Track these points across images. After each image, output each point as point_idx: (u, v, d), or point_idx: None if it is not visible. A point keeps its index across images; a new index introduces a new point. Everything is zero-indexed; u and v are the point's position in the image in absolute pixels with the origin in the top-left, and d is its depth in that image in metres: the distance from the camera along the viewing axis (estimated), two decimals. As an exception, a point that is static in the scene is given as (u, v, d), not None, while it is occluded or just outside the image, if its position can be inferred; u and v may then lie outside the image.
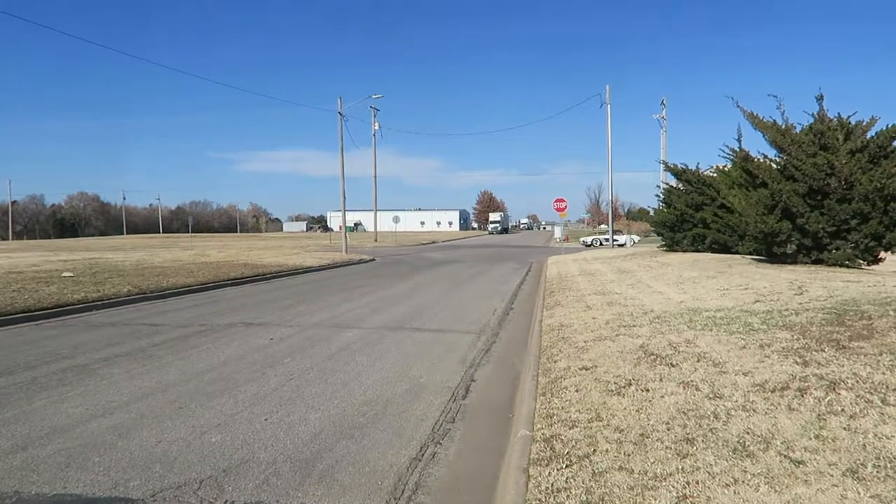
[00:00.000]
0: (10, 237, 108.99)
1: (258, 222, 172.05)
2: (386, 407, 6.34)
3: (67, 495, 4.28)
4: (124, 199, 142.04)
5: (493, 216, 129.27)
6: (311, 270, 26.83)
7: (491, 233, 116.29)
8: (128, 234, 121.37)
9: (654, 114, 46.90)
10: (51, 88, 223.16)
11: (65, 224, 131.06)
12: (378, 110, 67.13)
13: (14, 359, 8.84)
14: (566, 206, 40.00)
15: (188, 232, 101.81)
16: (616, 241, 51.06)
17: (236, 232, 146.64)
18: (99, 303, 14.80)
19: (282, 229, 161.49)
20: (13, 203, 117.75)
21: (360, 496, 4.25)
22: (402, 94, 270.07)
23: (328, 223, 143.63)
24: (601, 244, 50.02)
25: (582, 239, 52.89)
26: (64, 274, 20.17)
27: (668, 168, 30.74)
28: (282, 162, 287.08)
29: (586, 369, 6.84)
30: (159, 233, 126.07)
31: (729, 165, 23.11)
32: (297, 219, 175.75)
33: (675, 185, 30.41)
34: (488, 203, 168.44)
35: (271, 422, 5.88)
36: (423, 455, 5.03)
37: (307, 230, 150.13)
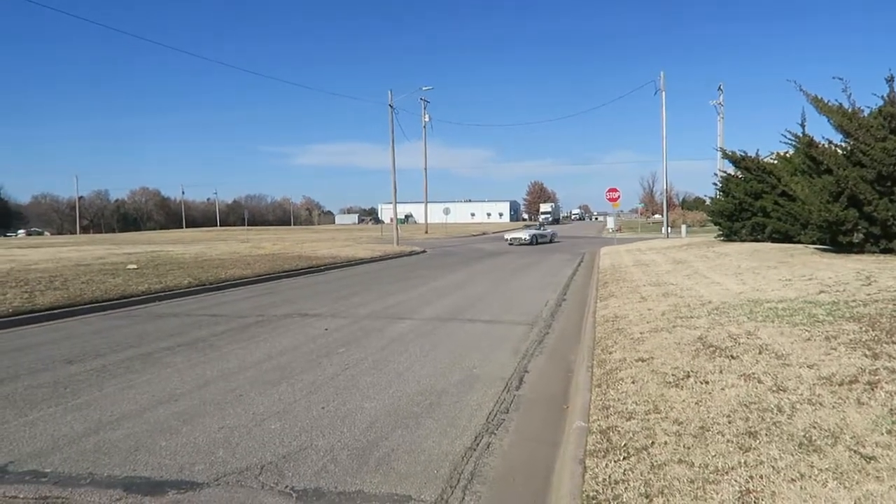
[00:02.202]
0: (78, 231, 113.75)
1: (311, 215, 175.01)
2: (440, 397, 6.38)
3: (137, 478, 4.46)
4: (183, 193, 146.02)
5: (544, 207, 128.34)
6: (364, 262, 27.14)
7: (542, 224, 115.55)
8: (186, 227, 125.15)
9: (710, 100, 45.67)
10: (111, 86, 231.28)
11: (128, 218, 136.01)
12: (428, 102, 67.24)
13: (84, 347, 9.24)
14: (619, 196, 39.34)
15: (244, 225, 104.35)
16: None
17: (290, 225, 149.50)
18: (161, 294, 15.32)
19: (334, 222, 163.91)
20: (80, 198, 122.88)
21: (416, 484, 4.29)
22: (451, 85, 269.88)
23: (379, 215, 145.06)
24: (526, 241, 39.36)
25: (506, 236, 41.70)
26: (129, 266, 20.93)
27: (725, 155, 29.86)
28: (334, 155, 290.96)
29: (642, 361, 6.73)
30: (216, 226, 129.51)
31: (791, 152, 22.33)
32: (349, 211, 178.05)
33: (732, 173, 29.53)
34: (539, 194, 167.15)
35: (328, 410, 5.98)
36: (477, 445, 5.04)
37: (359, 222, 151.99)
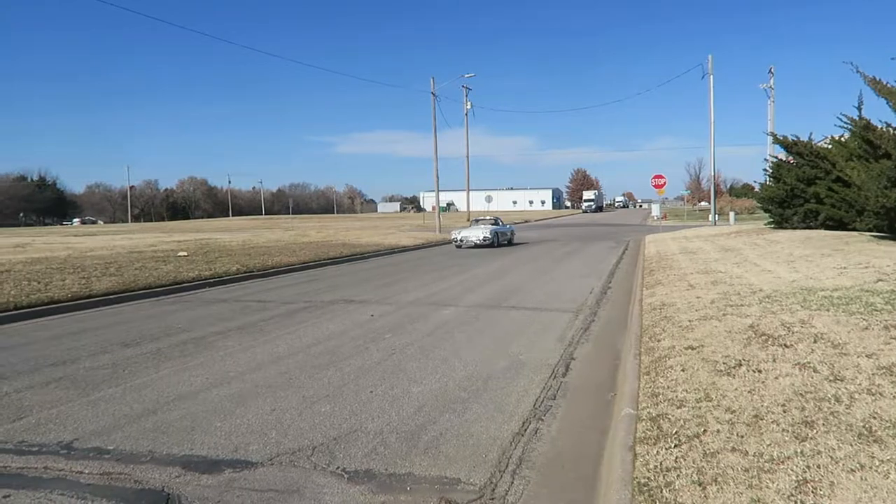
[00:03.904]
0: (129, 219, 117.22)
1: (353, 203, 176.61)
2: (486, 382, 6.40)
3: (195, 456, 4.60)
4: (229, 182, 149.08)
5: (587, 194, 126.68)
6: (406, 250, 27.31)
7: (585, 211, 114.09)
8: (233, 216, 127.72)
9: (760, 83, 44.35)
10: (160, 77, 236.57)
11: (177, 207, 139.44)
12: (470, 89, 66.91)
13: (140, 331, 9.54)
14: (665, 183, 38.63)
15: (288, 213, 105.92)
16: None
17: (333, 213, 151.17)
18: (211, 280, 15.69)
19: (376, 210, 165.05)
20: (131, 188, 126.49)
21: (465, 468, 4.32)
22: (493, 72, 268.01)
23: (421, 204, 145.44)
24: (480, 242, 26.56)
25: (453, 234, 28.22)
26: (179, 253, 21.49)
27: (776, 140, 28.99)
28: (376, 144, 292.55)
29: (692, 349, 6.63)
30: (261, 214, 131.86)
31: (846, 136, 21.55)
32: (391, 200, 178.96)
33: (784, 159, 28.68)
34: (582, 181, 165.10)
35: (376, 394, 6.06)
36: (525, 430, 5.05)
37: (400, 210, 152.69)
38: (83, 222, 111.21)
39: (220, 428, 5.20)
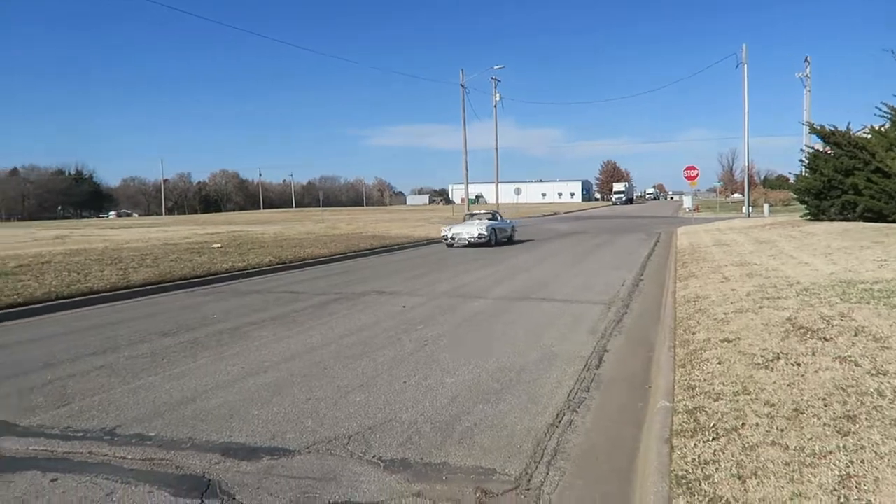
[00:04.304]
0: (163, 212, 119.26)
1: (383, 196, 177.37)
2: (519, 374, 6.40)
3: (234, 443, 4.69)
4: (260, 175, 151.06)
5: (617, 186, 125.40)
6: (436, 242, 27.33)
7: (615, 203, 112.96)
8: (263, 208, 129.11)
9: (796, 73, 43.36)
10: (192, 72, 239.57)
11: (209, 200, 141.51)
12: (499, 81, 66.32)
13: (177, 321, 9.72)
14: (697, 174, 38.05)
15: (319, 206, 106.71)
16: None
17: (362, 205, 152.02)
18: (244, 272, 15.91)
19: (405, 202, 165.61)
20: (165, 181, 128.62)
21: (500, 458, 4.33)
22: (522, 63, 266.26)
23: (450, 196, 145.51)
24: (475, 240, 23.07)
25: (444, 231, 24.68)
26: (213, 245, 21.82)
27: (813, 130, 28.37)
28: (405, 136, 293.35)
29: (728, 342, 6.54)
30: (292, 207, 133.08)
31: (887, 125, 21.00)
32: (420, 192, 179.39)
33: (820, 149, 28.04)
34: (612, 173, 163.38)
35: (410, 384, 6.10)
36: (559, 422, 5.04)
37: (429, 203, 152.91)
38: (119, 215, 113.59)
39: (257, 416, 5.29)
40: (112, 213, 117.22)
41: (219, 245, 22.04)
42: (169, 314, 10.47)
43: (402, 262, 19.06)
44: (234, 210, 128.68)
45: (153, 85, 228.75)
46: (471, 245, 23.42)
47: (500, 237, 24.46)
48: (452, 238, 23.87)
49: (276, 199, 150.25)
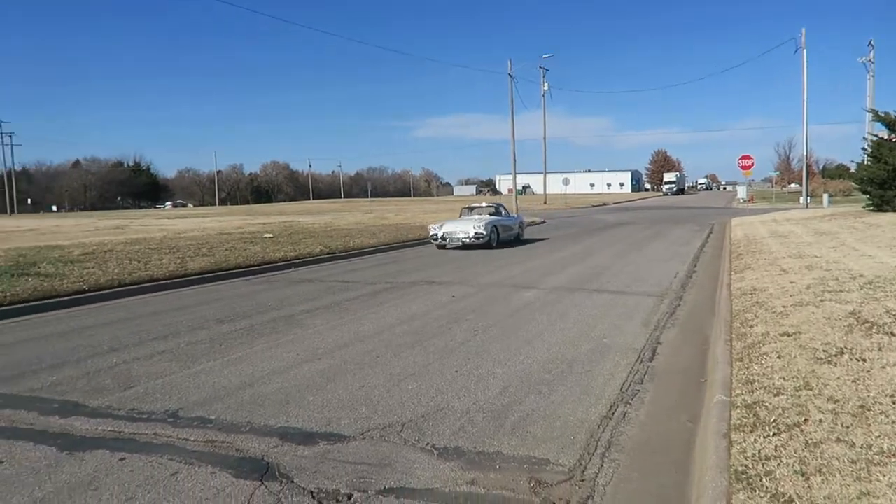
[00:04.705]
0: (217, 202, 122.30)
1: (430, 186, 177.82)
2: (571, 365, 6.36)
3: (290, 428, 4.80)
4: (310, 166, 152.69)
5: (668, 176, 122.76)
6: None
7: (665, 194, 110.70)
8: (313, 199, 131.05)
9: (859, 57, 41.60)
10: (242, 65, 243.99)
11: (260, 190, 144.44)
12: (547, 70, 65.96)
13: (233, 309, 9.98)
14: (752, 164, 37.02)
15: (366, 196, 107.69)
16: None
17: (410, 196, 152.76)
18: (296, 261, 16.22)
19: (452, 193, 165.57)
20: (218, 172, 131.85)
21: (553, 448, 4.32)
22: (571, 53, 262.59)
23: (497, 186, 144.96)
24: (473, 240, 19.07)
25: (432, 229, 20.56)
26: (265, 235, 22.27)
27: (877, 117, 27.17)
28: (451, 127, 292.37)
29: (788, 335, 6.36)
30: (340, 197, 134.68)
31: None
32: (467, 182, 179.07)
33: (885, 137, 26.86)
34: (662, 163, 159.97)
35: (461, 374, 6.13)
36: (613, 414, 4.99)
37: (476, 193, 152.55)
38: (174, 205, 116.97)
39: (312, 402, 5.39)
40: (168, 204, 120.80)
41: (271, 235, 22.48)
42: (225, 302, 10.76)
43: (450, 252, 19.10)
44: (284, 200, 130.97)
45: (207, 78, 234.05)
46: (465, 246, 19.42)
47: (503, 236, 20.34)
48: (444, 238, 19.68)
49: (324, 189, 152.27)
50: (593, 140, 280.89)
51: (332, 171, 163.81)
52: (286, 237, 21.70)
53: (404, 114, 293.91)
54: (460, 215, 22.05)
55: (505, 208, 22.24)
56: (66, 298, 10.82)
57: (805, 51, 40.79)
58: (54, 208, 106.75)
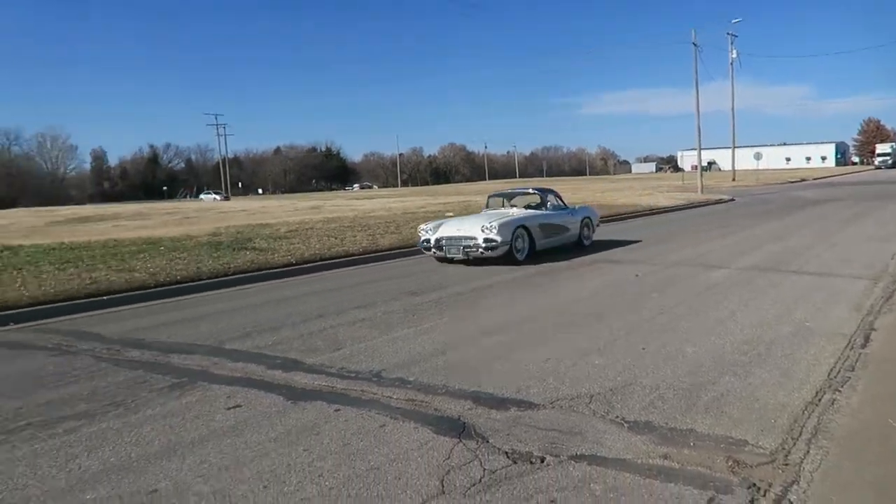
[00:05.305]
0: (399, 184, 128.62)
1: (606, 165, 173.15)
2: (769, 348, 6.01)
3: (483, 393, 5.07)
4: (486, 148, 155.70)
5: (881, 147, 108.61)
6: (665, 211, 26.24)
7: (878, 167, 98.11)
8: (489, 179, 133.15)
9: None
10: (419, 49, 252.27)
11: (438, 172, 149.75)
12: (736, 36, 61.02)
13: (423, 283, 10.59)
14: None
15: (541, 176, 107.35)
16: None
17: (585, 175, 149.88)
18: (476, 239, 16.67)
19: (630, 171, 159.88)
20: (400, 155, 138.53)
21: (752, 431, 4.16)
22: (761, 15, 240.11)
23: (678, 163, 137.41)
24: (470, 251, 12.05)
25: (422, 232, 13.38)
26: (447, 214, 23.12)
27: None
28: (628, 103, 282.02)
29: None
30: (515, 177, 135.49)
31: None
32: (646, 160, 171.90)
33: None
34: (874, 133, 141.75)
35: (648, 351, 6.05)
36: (819, 400, 4.67)
37: (656, 171, 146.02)
38: (361, 187, 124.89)
39: (500, 370, 5.63)
40: (356, 186, 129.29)
41: (451, 214, 23.29)
42: (415, 276, 11.43)
43: (630, 230, 18.61)
44: (460, 181, 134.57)
45: (388, 65, 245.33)
46: (470, 260, 12.27)
47: (542, 242, 13.02)
48: (438, 244, 12.61)
49: (500, 170, 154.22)
50: (789, 110, 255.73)
51: (507, 152, 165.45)
52: (467, 216, 22.37)
53: (579, 90, 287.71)
54: (487, 206, 15.27)
55: (559, 196, 14.74)
56: (276, 270, 12.14)
57: None
58: (259, 191, 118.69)
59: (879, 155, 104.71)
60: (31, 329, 8.36)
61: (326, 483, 3.66)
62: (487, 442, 4.15)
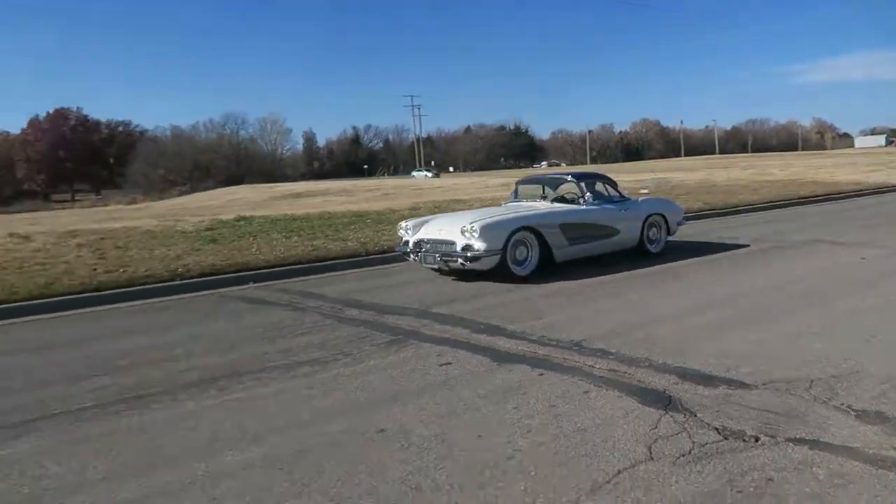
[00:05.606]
0: (588, 161, 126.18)
1: (823, 138, 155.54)
2: None
3: (688, 369, 4.98)
4: (682, 122, 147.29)
5: None
6: (897, 189, 23.19)
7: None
8: (685, 156, 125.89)
9: None
10: (617, 28, 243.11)
11: (630, 148, 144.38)
12: None
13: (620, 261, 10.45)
14: None
15: (745, 152, 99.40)
16: None
17: (796, 150, 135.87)
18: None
19: (852, 145, 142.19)
20: (589, 132, 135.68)
21: None
22: None
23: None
24: (450, 260, 8.84)
25: (402, 231, 10.31)
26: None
27: None
28: (851, 69, 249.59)
29: None
30: (714, 154, 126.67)
31: None
32: (873, 132, 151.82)
33: None
34: None
35: (877, 339, 5.52)
36: None
37: (886, 145, 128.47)
38: (549, 164, 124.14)
39: (707, 348, 5.47)
40: (543, 163, 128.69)
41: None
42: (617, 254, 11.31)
43: (854, 210, 16.80)
44: (654, 158, 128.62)
45: (580, 42, 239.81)
46: (447, 272, 9.49)
47: (562, 251, 9.35)
48: (417, 248, 9.51)
49: (697, 145, 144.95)
50: None
51: (706, 126, 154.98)
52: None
53: (791, 58, 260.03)
54: (515, 195, 11.34)
55: (611, 184, 11.05)
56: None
57: None
58: (451, 169, 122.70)
59: None
60: (267, 288, 9.57)
61: (536, 439, 3.87)
62: (695, 416, 4.10)
